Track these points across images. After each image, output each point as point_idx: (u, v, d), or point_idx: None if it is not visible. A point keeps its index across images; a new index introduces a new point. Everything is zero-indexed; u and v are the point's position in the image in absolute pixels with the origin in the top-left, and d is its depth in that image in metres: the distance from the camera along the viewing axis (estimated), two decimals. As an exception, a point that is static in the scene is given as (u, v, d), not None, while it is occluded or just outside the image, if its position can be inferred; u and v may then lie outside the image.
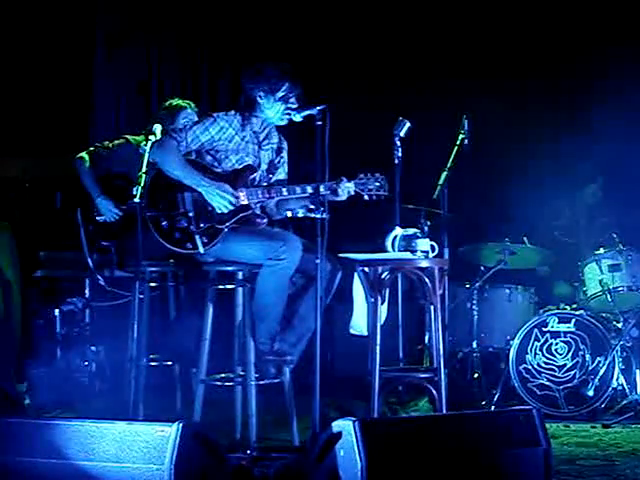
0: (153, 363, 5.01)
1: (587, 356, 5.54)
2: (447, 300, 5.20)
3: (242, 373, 4.44)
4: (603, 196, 6.62)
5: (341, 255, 4.62)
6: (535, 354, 5.65)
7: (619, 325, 5.72)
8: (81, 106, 7.16)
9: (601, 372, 5.44)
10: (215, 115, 4.59)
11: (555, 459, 3.78)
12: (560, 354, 5.61)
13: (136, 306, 4.82)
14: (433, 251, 4.68)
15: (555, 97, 7.09)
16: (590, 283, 5.84)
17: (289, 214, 4.70)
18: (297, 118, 4.53)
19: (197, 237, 4.43)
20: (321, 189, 4.29)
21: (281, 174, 4.79)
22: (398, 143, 5.00)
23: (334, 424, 3.50)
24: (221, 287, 4.50)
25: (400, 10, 7.22)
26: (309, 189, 4.46)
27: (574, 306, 5.79)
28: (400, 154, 5.00)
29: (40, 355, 5.83)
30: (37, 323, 6.08)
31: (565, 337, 5.61)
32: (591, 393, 5.42)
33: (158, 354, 5.08)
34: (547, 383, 5.59)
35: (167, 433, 3.38)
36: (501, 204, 6.61)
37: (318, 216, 4.18)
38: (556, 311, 5.71)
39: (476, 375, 6.02)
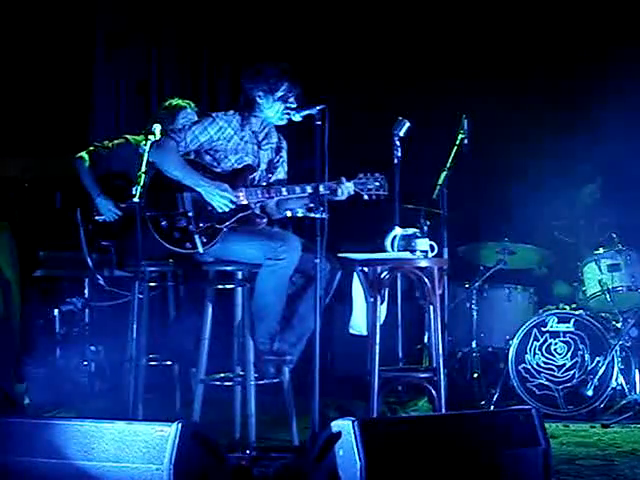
0: (152, 363, 5.01)
1: (586, 356, 5.54)
2: (446, 300, 5.22)
3: (241, 373, 4.44)
4: (602, 196, 6.61)
5: (340, 255, 4.61)
6: (534, 354, 5.65)
7: (618, 325, 5.72)
8: (81, 106, 7.15)
9: (600, 372, 5.44)
10: (214, 115, 4.59)
11: (554, 459, 3.79)
12: (559, 354, 5.61)
13: (135, 306, 4.82)
14: (432, 251, 4.68)
15: (555, 97, 7.07)
16: (589, 283, 5.84)
17: (289, 214, 4.70)
18: (296, 118, 4.52)
19: (196, 237, 4.43)
20: (321, 189, 4.28)
21: (280, 174, 4.79)
22: (398, 143, 5.01)
23: (333, 424, 3.50)
24: (220, 287, 4.49)
25: (400, 10, 7.22)
26: (309, 189, 4.46)
27: (573, 306, 5.79)
28: (400, 154, 5.01)
29: (40, 355, 5.83)
30: (36, 323, 6.08)
31: (564, 337, 5.62)
32: (590, 393, 5.42)
33: (157, 354, 5.08)
34: (546, 383, 5.59)
35: (166, 433, 3.38)
36: (501, 204, 6.61)
37: (318, 216, 4.17)
38: (555, 311, 5.71)
39: (475, 375, 6.02)
